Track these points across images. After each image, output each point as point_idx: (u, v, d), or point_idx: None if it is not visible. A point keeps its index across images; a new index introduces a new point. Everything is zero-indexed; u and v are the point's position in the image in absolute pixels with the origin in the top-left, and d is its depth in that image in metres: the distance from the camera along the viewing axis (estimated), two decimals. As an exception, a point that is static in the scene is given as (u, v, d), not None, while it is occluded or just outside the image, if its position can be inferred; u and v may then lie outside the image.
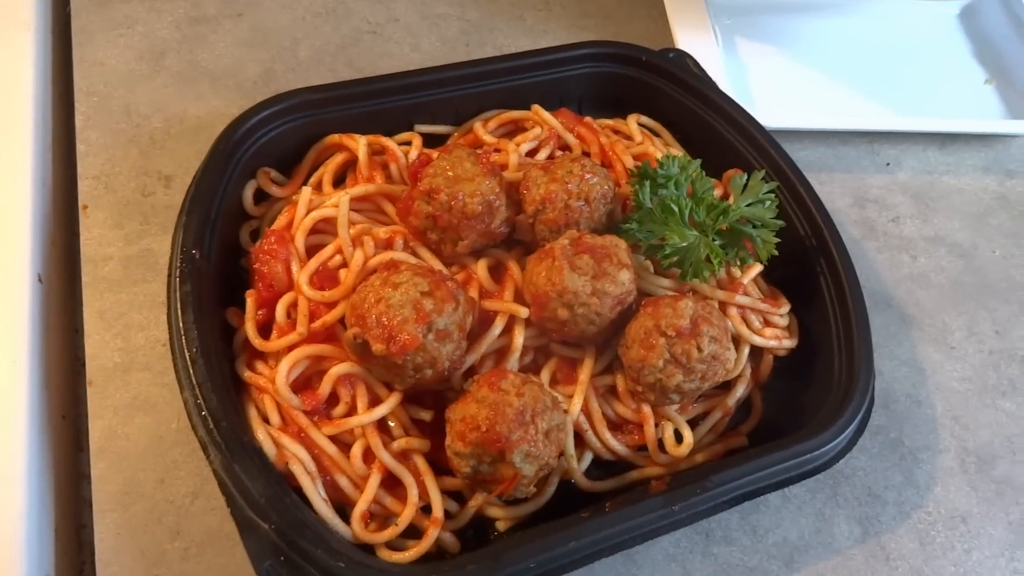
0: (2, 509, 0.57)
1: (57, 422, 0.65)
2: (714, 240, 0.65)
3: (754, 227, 0.67)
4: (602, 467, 0.63)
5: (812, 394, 0.66)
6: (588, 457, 0.62)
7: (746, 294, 0.67)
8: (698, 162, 0.69)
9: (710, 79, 0.81)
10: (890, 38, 0.97)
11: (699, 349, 0.58)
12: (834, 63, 0.93)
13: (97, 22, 0.85)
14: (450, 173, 0.64)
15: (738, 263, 0.67)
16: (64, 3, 0.87)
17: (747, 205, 0.67)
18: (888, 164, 0.87)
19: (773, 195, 0.68)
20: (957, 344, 0.76)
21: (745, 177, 0.70)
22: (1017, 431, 0.71)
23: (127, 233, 0.72)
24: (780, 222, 0.68)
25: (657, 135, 0.80)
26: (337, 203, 0.66)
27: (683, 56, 0.82)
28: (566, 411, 0.60)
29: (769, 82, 0.90)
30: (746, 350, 0.66)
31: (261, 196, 0.71)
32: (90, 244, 0.71)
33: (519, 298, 0.64)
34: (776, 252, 0.67)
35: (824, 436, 0.60)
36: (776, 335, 0.67)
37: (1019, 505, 0.68)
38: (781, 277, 0.72)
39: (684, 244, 0.64)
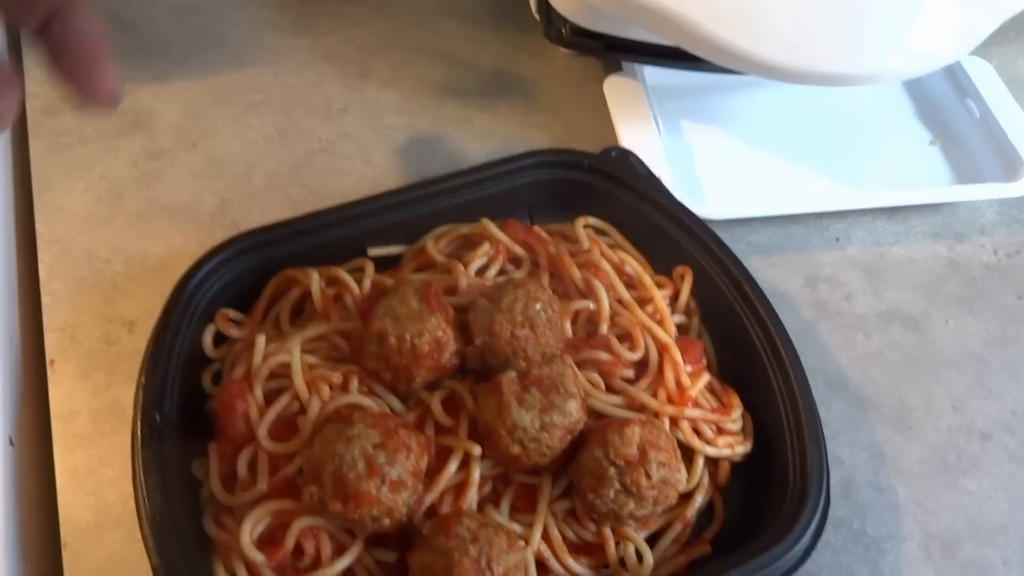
0: None
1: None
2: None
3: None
4: (568, 588, 0.64)
5: (772, 494, 0.67)
6: (553, 583, 0.64)
7: (696, 406, 0.68)
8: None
9: (653, 176, 0.83)
10: (834, 108, 0.99)
11: (648, 476, 0.60)
12: (779, 135, 0.95)
13: (56, 167, 0.87)
14: (398, 312, 0.65)
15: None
16: (24, 149, 0.89)
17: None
18: (838, 239, 0.88)
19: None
20: (915, 424, 0.77)
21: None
22: (980, 511, 0.72)
23: (94, 385, 0.74)
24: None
25: (605, 235, 0.82)
26: (290, 349, 0.67)
27: (625, 155, 0.85)
28: (525, 542, 0.62)
29: (715, 167, 0.92)
30: (700, 461, 0.67)
31: (221, 337, 0.73)
32: (58, 400, 0.72)
33: (474, 428, 0.65)
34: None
35: (780, 547, 0.61)
36: (729, 443, 0.68)
37: (985, 587, 0.69)
38: (732, 370, 0.74)
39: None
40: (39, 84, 0.93)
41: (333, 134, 0.93)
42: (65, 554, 0.65)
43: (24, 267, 0.82)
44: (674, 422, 0.67)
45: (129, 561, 0.65)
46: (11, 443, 0.70)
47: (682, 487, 0.63)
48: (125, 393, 0.73)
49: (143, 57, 0.98)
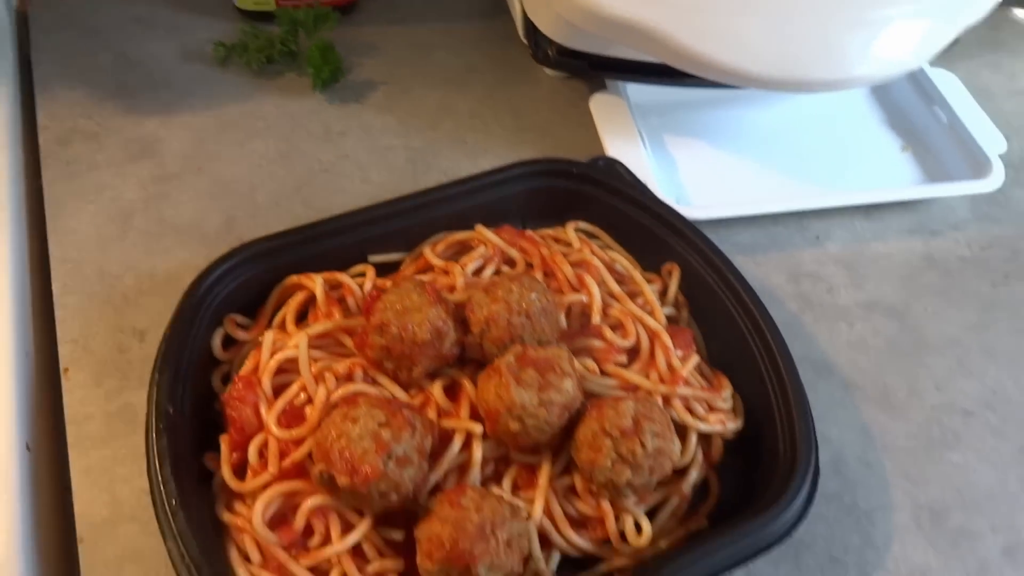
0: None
1: (54, 587, 0.68)
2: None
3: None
4: (572, 564, 0.66)
5: (763, 471, 0.70)
6: (556, 557, 0.65)
7: (687, 384, 0.71)
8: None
9: (639, 181, 0.87)
10: (809, 119, 1.04)
11: (643, 445, 0.62)
12: (758, 146, 1.00)
13: (68, 192, 0.91)
14: (399, 306, 0.69)
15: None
16: (36, 176, 0.93)
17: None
18: (818, 237, 0.92)
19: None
20: (900, 404, 0.80)
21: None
22: (965, 482, 0.75)
23: (107, 391, 0.76)
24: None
25: (596, 237, 0.86)
26: (297, 344, 0.70)
27: (612, 163, 0.89)
28: (528, 516, 0.64)
29: (699, 176, 0.96)
30: (693, 437, 0.70)
31: (229, 341, 0.76)
32: (73, 406, 0.75)
33: (475, 414, 0.68)
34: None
35: (771, 513, 0.63)
36: (720, 419, 0.71)
37: (975, 554, 0.71)
38: (722, 359, 0.77)
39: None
40: (51, 117, 0.98)
41: (333, 155, 0.97)
42: (81, 548, 0.67)
43: (38, 285, 0.85)
44: (667, 400, 0.70)
45: (144, 552, 0.67)
46: (28, 448, 0.72)
47: (676, 458, 0.65)
48: (137, 398, 0.76)
49: (150, 91, 1.03)
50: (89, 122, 0.98)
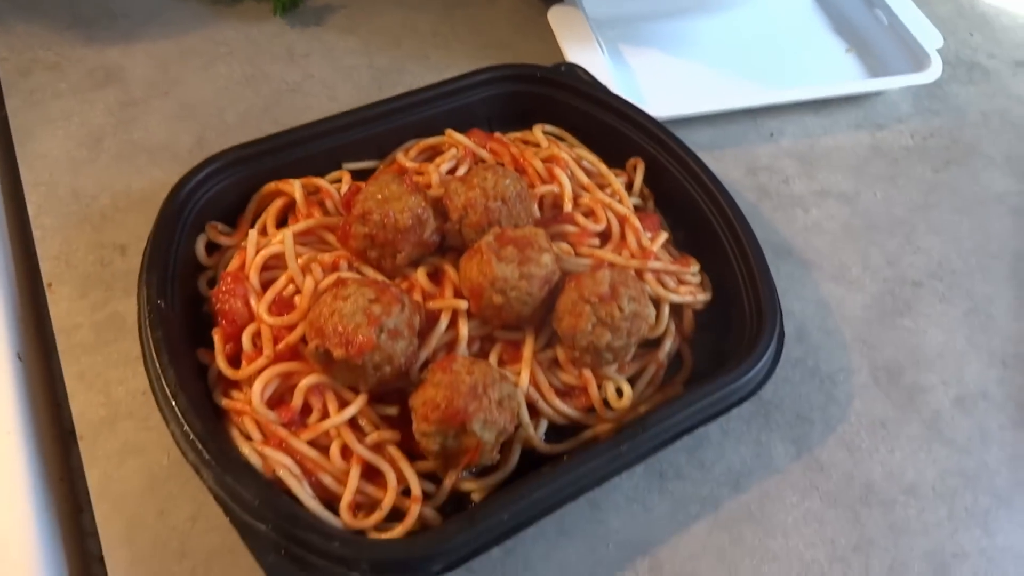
0: (19, 565, 0.62)
1: (56, 484, 0.70)
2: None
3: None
4: (559, 432, 0.70)
5: (732, 340, 0.74)
6: (544, 424, 0.69)
7: (657, 259, 0.75)
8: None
9: (601, 84, 0.90)
10: (757, 27, 1.08)
11: (620, 309, 0.66)
12: (712, 56, 1.04)
13: (34, 119, 0.91)
14: (379, 196, 0.71)
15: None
16: (0, 107, 0.93)
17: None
18: (772, 134, 0.97)
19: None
20: (855, 278, 0.85)
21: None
22: (917, 344, 0.80)
23: (93, 302, 0.77)
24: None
25: (562, 139, 0.89)
26: (282, 240, 0.72)
27: (574, 68, 0.92)
28: (515, 384, 0.67)
29: (656, 80, 1.00)
30: (666, 308, 0.74)
31: (212, 248, 0.77)
32: (60, 317, 0.76)
33: (458, 295, 0.71)
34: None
35: (742, 368, 0.68)
36: (690, 291, 0.75)
37: (928, 405, 0.77)
38: (688, 244, 0.81)
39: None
40: (9, 49, 0.97)
41: (298, 76, 0.98)
42: (81, 444, 0.69)
43: (12, 208, 0.85)
44: (639, 274, 0.74)
45: (144, 445, 0.69)
46: (19, 358, 0.73)
47: (652, 321, 0.69)
48: (124, 307, 0.77)
49: (108, 21, 1.02)
50: (48, 53, 0.98)
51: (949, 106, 1.02)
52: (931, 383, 0.78)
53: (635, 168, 0.85)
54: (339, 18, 1.05)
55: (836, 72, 1.04)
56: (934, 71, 0.97)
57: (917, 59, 1.00)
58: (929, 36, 1.01)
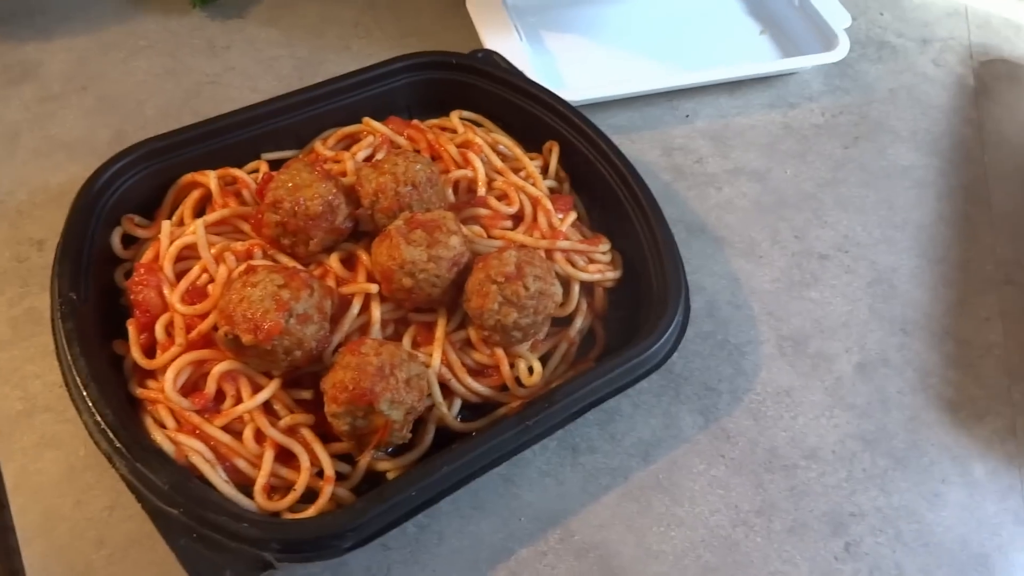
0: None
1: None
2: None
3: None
4: (473, 410, 0.72)
5: (641, 315, 0.77)
6: (457, 403, 0.71)
7: (566, 239, 0.77)
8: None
9: (517, 70, 0.92)
10: (674, 11, 1.10)
11: (526, 288, 0.68)
12: (629, 40, 1.06)
13: (-54, 117, 0.90)
14: (290, 184, 0.72)
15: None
16: (-90, 106, 0.92)
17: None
18: (687, 116, 0.99)
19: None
20: (764, 253, 0.88)
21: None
22: (823, 314, 0.83)
23: (9, 298, 0.78)
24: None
25: (480, 125, 0.90)
26: (195, 230, 0.73)
27: (491, 55, 0.93)
28: (427, 365, 0.69)
29: (574, 65, 1.02)
30: (576, 287, 0.76)
31: (130, 241, 0.78)
32: (-25, 313, 0.76)
33: (371, 279, 0.72)
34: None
35: (648, 341, 0.70)
36: (600, 269, 0.78)
37: (831, 373, 0.80)
38: (601, 223, 0.83)
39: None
40: (-78, 46, 0.96)
41: (219, 68, 0.99)
42: (-1, 440, 0.69)
43: (-75, 206, 0.85)
44: (549, 255, 0.76)
45: (62, 437, 0.70)
46: (-67, 354, 0.73)
47: (559, 299, 0.71)
48: (40, 302, 0.77)
49: (25, 16, 1.02)
50: (-37, 50, 0.97)
51: (859, 84, 1.05)
52: (834, 351, 0.81)
53: (551, 151, 0.87)
54: (260, 9, 1.06)
55: (750, 53, 1.06)
56: (841, 50, 1.00)
57: (826, 38, 1.03)
58: (838, 16, 1.04)
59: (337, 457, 0.67)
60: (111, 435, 0.62)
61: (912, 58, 1.09)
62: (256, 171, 0.82)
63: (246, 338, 0.63)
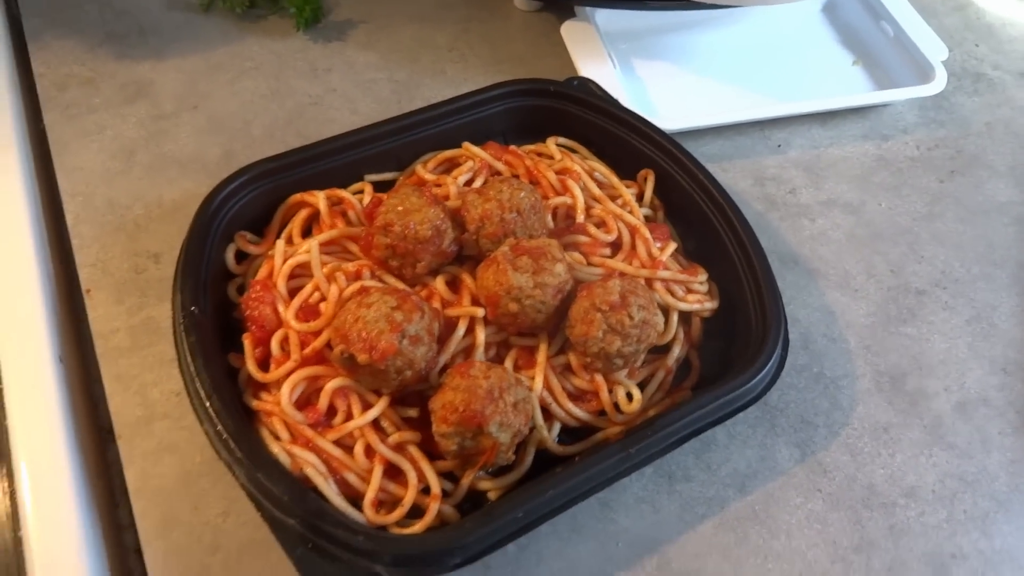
0: (65, 555, 0.66)
1: (94, 480, 0.74)
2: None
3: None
4: (571, 434, 0.73)
5: (738, 347, 0.77)
6: (557, 426, 0.72)
7: (666, 268, 0.78)
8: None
9: (612, 97, 0.94)
10: (765, 40, 1.11)
11: (630, 317, 0.69)
12: (721, 68, 1.07)
13: (70, 132, 0.95)
14: (400, 208, 0.75)
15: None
16: (37, 120, 0.97)
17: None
18: (779, 146, 1.00)
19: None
20: (859, 287, 0.87)
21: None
22: (920, 351, 0.83)
23: (128, 307, 0.81)
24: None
25: (575, 151, 0.92)
26: (309, 249, 0.76)
27: (586, 82, 0.95)
28: (530, 388, 0.71)
29: (666, 93, 1.03)
30: (675, 316, 0.77)
31: (241, 256, 0.81)
32: (98, 321, 0.80)
33: (475, 303, 0.74)
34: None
35: (747, 374, 0.71)
36: (698, 299, 0.78)
37: (930, 411, 0.79)
38: (697, 253, 0.84)
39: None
40: (45, 65, 1.02)
41: (321, 90, 1.02)
42: (120, 443, 0.73)
43: (50, 218, 0.90)
44: (649, 283, 0.77)
45: (179, 444, 0.73)
46: (60, 360, 0.77)
47: (660, 328, 0.72)
48: (158, 312, 0.81)
49: (139, 38, 1.06)
50: (83, 68, 1.02)
51: (954, 117, 1.04)
52: (933, 389, 0.80)
53: (646, 179, 0.88)
54: (359, 33, 1.09)
55: (843, 84, 1.06)
56: (938, 83, 1.00)
57: (922, 70, 1.03)
58: (934, 48, 1.04)
59: (441, 475, 0.69)
60: (232, 445, 0.64)
61: (1009, 91, 1.08)
62: (360, 192, 0.85)
63: (361, 357, 0.66)
